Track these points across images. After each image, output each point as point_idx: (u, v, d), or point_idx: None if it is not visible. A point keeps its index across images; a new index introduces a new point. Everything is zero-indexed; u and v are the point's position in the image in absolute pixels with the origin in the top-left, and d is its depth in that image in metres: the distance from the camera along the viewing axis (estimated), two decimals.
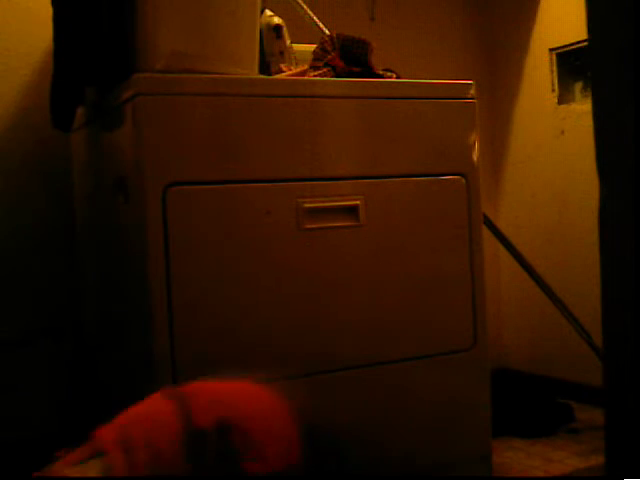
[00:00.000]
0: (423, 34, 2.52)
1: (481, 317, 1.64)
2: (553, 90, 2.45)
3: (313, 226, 1.48)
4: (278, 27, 1.80)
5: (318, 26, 1.95)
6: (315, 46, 1.66)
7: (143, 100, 1.37)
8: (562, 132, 2.42)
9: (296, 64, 1.79)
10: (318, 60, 1.63)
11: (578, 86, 2.44)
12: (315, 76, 1.59)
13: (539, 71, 2.49)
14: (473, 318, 1.64)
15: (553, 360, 2.46)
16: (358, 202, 1.52)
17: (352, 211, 1.52)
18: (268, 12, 1.83)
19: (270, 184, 1.46)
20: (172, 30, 1.48)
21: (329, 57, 1.62)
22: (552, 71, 2.46)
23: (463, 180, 1.63)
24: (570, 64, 2.44)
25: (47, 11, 1.63)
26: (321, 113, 1.51)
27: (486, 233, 1.86)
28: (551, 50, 2.45)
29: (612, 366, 1.23)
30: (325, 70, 1.61)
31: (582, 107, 2.33)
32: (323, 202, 1.50)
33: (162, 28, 1.47)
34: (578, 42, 2.32)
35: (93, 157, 1.73)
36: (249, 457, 0.96)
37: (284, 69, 1.74)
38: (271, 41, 1.80)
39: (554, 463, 1.90)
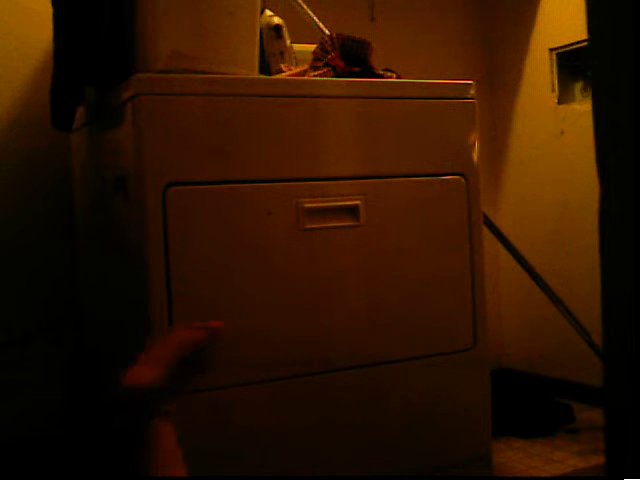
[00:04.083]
0: (423, 34, 2.53)
1: (481, 317, 1.64)
2: (553, 90, 2.45)
3: (313, 226, 1.48)
4: (278, 27, 1.80)
5: (318, 26, 1.95)
6: (315, 46, 1.66)
7: (143, 100, 1.37)
8: (562, 132, 2.42)
9: (296, 64, 1.79)
10: (318, 60, 1.63)
11: (578, 86, 2.44)
12: (315, 76, 1.59)
13: (539, 71, 2.49)
14: (473, 318, 1.64)
15: (553, 360, 2.46)
16: (358, 202, 1.52)
17: (352, 211, 1.52)
18: (268, 12, 1.83)
19: (270, 184, 1.46)
20: (172, 30, 1.48)
21: (329, 57, 1.62)
22: (552, 71, 2.46)
23: (463, 180, 1.63)
24: (570, 64, 2.44)
25: (47, 11, 1.64)
26: (321, 113, 1.51)
27: (486, 233, 1.86)
28: (551, 50, 2.45)
29: (612, 366, 1.23)
30: (325, 70, 1.61)
31: (582, 107, 2.33)
32: (323, 202, 1.50)
33: (162, 28, 1.47)
34: (578, 42, 2.33)
35: (93, 157, 1.73)
36: None
37: (284, 69, 1.74)
38: (271, 41, 1.80)
39: (554, 463, 1.90)
